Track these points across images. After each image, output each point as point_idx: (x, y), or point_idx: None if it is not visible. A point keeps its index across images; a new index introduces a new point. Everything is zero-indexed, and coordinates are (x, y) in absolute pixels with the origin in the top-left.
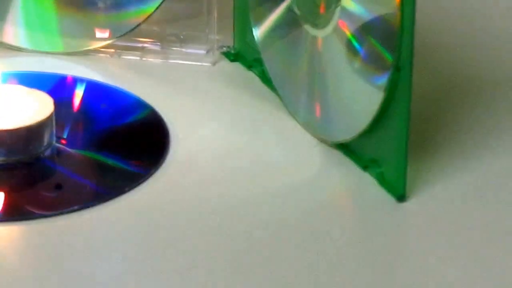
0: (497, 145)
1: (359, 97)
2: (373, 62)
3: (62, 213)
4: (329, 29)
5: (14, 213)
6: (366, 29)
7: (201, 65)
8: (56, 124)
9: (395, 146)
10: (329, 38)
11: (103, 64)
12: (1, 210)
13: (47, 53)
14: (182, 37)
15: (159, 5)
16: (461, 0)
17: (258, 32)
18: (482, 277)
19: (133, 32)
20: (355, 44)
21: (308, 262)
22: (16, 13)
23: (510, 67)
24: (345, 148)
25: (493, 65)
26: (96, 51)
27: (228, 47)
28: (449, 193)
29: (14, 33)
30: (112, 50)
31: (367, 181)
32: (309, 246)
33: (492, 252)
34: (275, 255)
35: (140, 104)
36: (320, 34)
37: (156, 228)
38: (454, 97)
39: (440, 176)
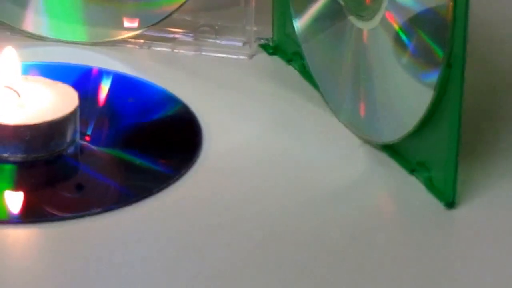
0: None
1: (407, 95)
2: (423, 58)
3: (83, 216)
4: (375, 21)
5: (32, 215)
6: (416, 22)
7: (237, 58)
8: (80, 119)
9: (445, 148)
10: (376, 30)
11: (131, 55)
12: (19, 211)
13: (71, 42)
14: (216, 27)
15: None
16: None
17: (298, 24)
18: None
19: (164, 21)
20: (403, 37)
21: (351, 269)
22: (38, 1)
23: None
24: (391, 149)
25: None
26: (124, 41)
27: (267, 39)
28: (503, 201)
29: (36, 21)
30: (142, 41)
31: (414, 185)
32: (351, 254)
33: None
34: (315, 262)
35: (170, 99)
36: (365, 26)
37: (185, 234)
38: (509, 95)
39: (494, 182)
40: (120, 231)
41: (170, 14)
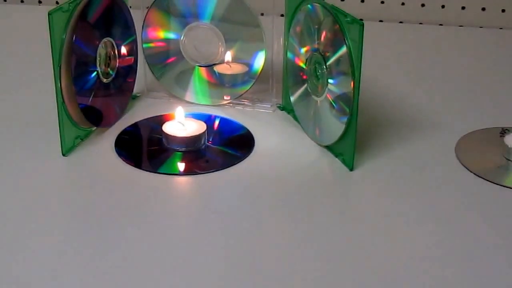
0: (409, 146)
1: (334, 126)
2: (341, 111)
3: (209, 172)
4: (323, 97)
5: (188, 171)
6: (339, 98)
7: (268, 111)
8: (207, 134)
9: (349, 146)
10: (323, 101)
11: (227, 110)
12: (183, 170)
13: (203, 104)
14: (260, 99)
15: (251, 86)
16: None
17: (292, 98)
18: (403, 212)
19: (240, 97)
20: (333, 104)
21: (306, 200)
22: (191, 87)
23: (413, 107)
24: (329, 147)
25: (406, 106)
26: (223, 105)
27: (280, 104)
28: (378, 170)
29: (190, 95)
30: (231, 104)
31: (337, 161)
32: (303, 192)
33: (408, 194)
34: (291, 198)
35: (241, 127)
36: (319, 99)
37: (248, 182)
38: (385, 121)
39: (372, 159)
40: (222, 180)
41: (242, 94)
